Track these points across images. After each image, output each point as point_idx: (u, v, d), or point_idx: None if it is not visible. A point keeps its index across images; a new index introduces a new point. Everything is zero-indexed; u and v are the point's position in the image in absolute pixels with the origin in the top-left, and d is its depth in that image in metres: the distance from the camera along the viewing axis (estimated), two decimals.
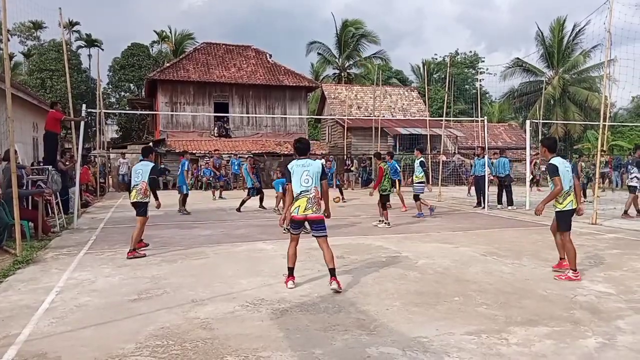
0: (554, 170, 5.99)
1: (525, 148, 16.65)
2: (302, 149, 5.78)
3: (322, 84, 37.36)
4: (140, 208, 7.70)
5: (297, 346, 3.88)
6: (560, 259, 6.39)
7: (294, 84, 29.27)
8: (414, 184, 12.72)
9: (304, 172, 5.61)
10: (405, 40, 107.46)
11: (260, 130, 28.95)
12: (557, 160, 6.10)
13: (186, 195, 13.66)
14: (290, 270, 5.78)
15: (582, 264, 6.83)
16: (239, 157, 23.38)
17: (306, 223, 5.78)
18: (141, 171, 7.72)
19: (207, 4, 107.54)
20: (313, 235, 5.74)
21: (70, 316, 4.67)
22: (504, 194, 14.51)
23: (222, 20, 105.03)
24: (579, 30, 37.23)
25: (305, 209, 5.54)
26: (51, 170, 11.08)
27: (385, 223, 10.55)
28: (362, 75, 43.91)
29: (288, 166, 5.77)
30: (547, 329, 4.25)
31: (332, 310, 4.77)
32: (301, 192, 5.57)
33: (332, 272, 5.60)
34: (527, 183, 15.38)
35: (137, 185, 7.67)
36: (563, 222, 6.13)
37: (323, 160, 6.76)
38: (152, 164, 7.82)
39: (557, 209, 6.14)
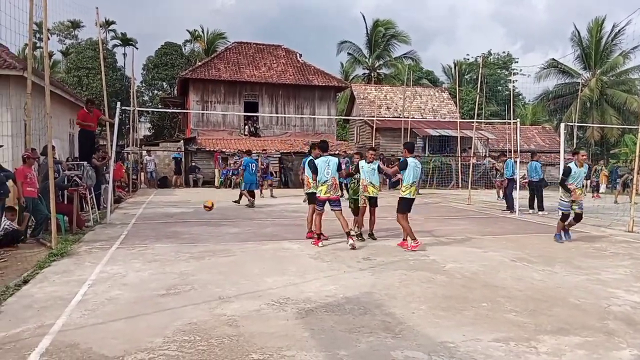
0: (404, 165, 7.99)
1: (559, 152, 16.18)
2: (324, 148, 8.43)
3: (352, 84, 37.26)
4: (308, 197, 8.91)
5: (322, 347, 3.88)
6: (403, 239, 8.16)
7: (324, 84, 29.29)
8: (561, 200, 9.26)
9: (326, 167, 8.14)
10: (437, 40, 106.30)
11: (288, 130, 29.09)
12: (410, 160, 8.03)
13: (244, 190, 14.77)
14: (319, 235, 8.19)
15: (617, 272, 6.62)
16: (268, 156, 23.58)
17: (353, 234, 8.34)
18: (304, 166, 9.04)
19: (240, 3, 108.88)
20: (332, 209, 8.17)
21: (101, 309, 4.80)
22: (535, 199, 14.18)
23: (253, 19, 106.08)
24: (619, 31, 36.05)
25: (326, 192, 8.11)
26: (86, 165, 11.40)
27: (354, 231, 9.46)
28: (392, 76, 43.58)
29: (315, 161, 8.28)
30: (578, 339, 4.13)
31: (357, 312, 4.75)
32: (324, 181, 8.11)
33: (348, 234, 8.06)
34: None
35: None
36: (402, 206, 8.07)
37: (335, 159, 8.47)
38: (310, 158, 8.82)
39: (400, 195, 8.11)
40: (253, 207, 14.31)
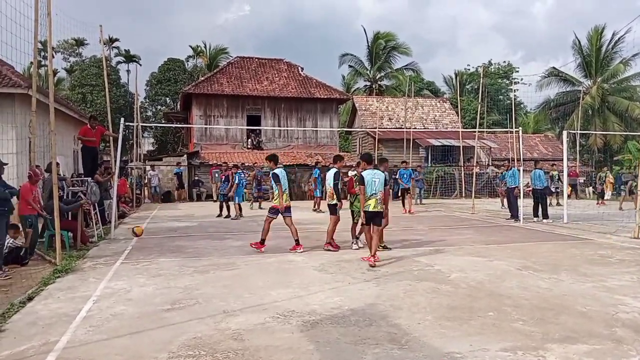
0: (361, 181, 7.85)
1: (562, 159, 16.16)
2: (276, 160, 9.07)
3: (353, 96, 37.39)
4: (330, 209, 9.29)
5: (327, 359, 3.85)
6: (371, 255, 7.77)
7: (325, 97, 29.44)
8: None
9: (285, 177, 8.86)
10: (439, 51, 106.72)
11: (291, 142, 29.18)
12: (366, 173, 7.89)
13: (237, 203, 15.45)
14: (263, 240, 8.79)
15: (623, 279, 6.57)
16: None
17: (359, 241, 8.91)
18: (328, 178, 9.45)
19: (242, 18, 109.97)
20: (284, 216, 8.70)
21: (106, 325, 4.79)
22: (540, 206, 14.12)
23: (256, 33, 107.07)
24: (619, 39, 36.17)
25: (286, 200, 8.77)
26: (90, 182, 11.45)
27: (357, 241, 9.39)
28: (394, 87, 43.73)
29: (276, 172, 8.74)
30: (586, 347, 4.09)
31: (362, 324, 4.72)
32: (285, 189, 8.79)
33: (297, 242, 8.80)
34: (565, 195, 14.92)
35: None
36: (365, 219, 7.89)
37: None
38: (335, 170, 9.34)
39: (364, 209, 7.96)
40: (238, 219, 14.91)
